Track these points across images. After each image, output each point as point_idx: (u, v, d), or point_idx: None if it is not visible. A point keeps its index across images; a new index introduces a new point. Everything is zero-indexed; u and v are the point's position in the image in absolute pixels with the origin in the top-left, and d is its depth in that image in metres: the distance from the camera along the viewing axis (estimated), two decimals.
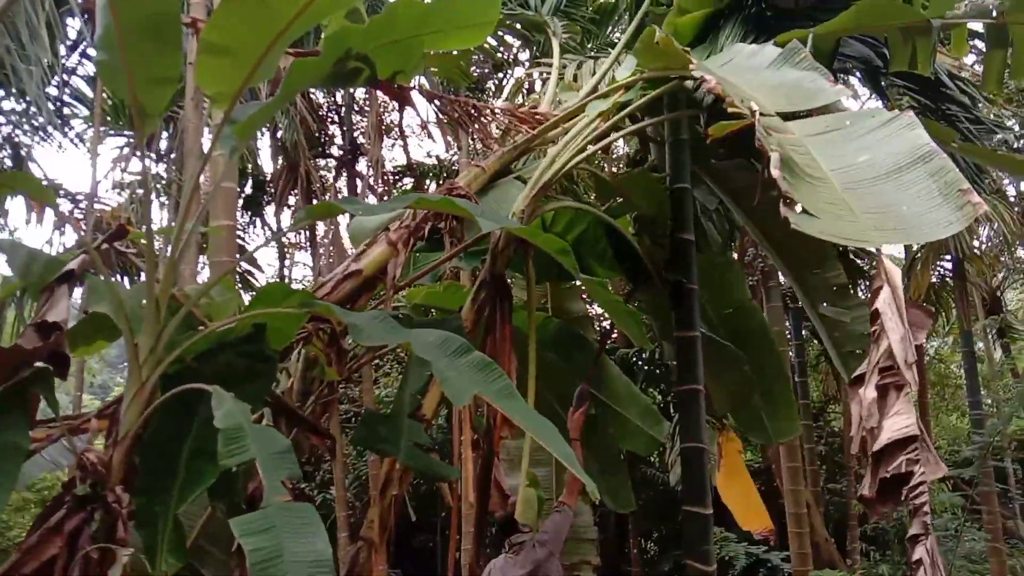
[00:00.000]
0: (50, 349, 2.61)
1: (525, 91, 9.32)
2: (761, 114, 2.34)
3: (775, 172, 2.08)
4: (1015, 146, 6.93)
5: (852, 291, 4.89)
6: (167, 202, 11.39)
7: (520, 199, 3.49)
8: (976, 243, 10.44)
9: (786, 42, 3.06)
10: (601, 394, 4.37)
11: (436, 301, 4.00)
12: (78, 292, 2.93)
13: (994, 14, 2.90)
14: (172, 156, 10.68)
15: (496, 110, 4.57)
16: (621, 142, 5.23)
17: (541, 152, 4.20)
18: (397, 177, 12.99)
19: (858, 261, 11.84)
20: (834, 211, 2.10)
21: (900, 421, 2.21)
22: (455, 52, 5.54)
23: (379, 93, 11.80)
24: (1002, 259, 15.26)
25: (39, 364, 2.58)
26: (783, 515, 6.14)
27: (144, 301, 2.75)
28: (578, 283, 4.70)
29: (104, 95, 8.22)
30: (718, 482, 4.69)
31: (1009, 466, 12.70)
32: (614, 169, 8.20)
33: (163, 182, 9.58)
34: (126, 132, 10.67)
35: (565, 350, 4.30)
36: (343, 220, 11.56)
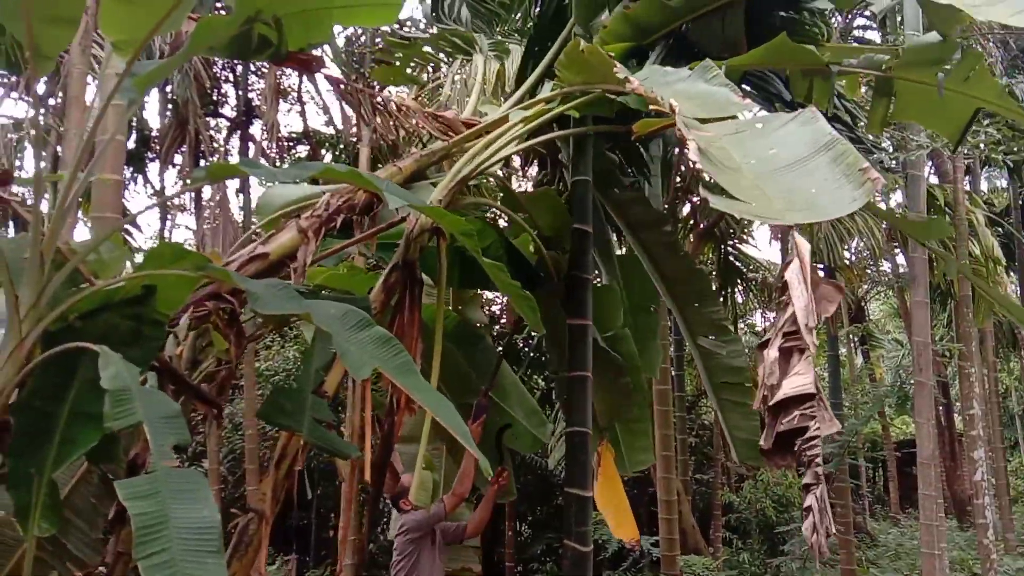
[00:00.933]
0: None
1: (431, 69, 9.24)
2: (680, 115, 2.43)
3: (693, 157, 2.17)
4: (889, 165, 7.42)
5: (731, 327, 5.27)
6: (42, 151, 10.74)
7: (438, 189, 3.51)
8: (847, 255, 11.06)
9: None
10: (492, 391, 4.48)
11: (337, 284, 3.94)
12: None
13: (883, 68, 3.22)
14: (50, 101, 10.07)
15: (404, 107, 4.52)
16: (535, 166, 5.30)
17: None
18: (292, 144, 12.67)
19: (736, 264, 12.40)
20: (749, 195, 2.23)
21: (799, 380, 2.36)
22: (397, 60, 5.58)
23: None
24: (868, 271, 16.26)
25: None
26: (655, 502, 6.37)
27: (27, 253, 2.62)
28: (478, 292, 4.81)
29: None
30: (595, 492, 4.89)
31: (862, 464, 13.59)
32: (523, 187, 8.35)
33: (38, 129, 9.00)
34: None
35: (467, 346, 4.39)
36: (231, 185, 11.20)
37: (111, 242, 2.96)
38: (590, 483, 4.11)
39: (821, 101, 3.59)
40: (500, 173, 4.10)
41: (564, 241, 4.22)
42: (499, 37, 7.82)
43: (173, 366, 2.99)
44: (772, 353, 2.44)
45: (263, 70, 10.84)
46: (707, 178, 2.30)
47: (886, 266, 17.46)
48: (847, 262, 10.61)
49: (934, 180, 10.93)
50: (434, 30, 6.34)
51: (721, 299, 13.48)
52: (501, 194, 4.17)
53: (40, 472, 2.53)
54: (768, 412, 2.46)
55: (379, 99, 4.34)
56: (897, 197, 12.95)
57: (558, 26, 5.35)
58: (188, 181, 10.73)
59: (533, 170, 8.30)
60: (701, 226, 10.11)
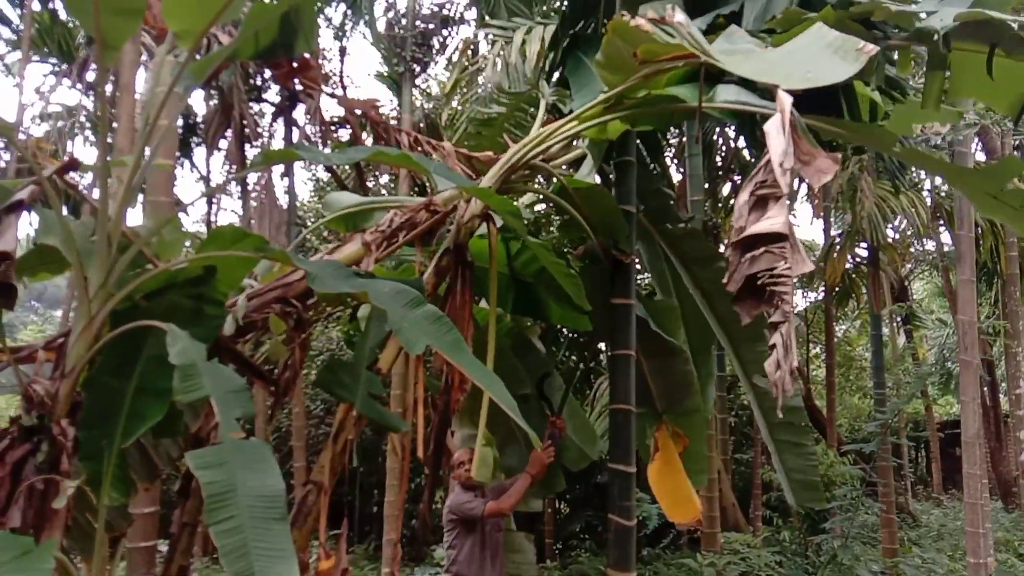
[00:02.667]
0: None
1: (471, 52, 9.29)
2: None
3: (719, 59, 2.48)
4: (936, 143, 7.32)
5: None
6: (92, 137, 11.00)
7: (488, 176, 3.56)
8: (891, 233, 10.93)
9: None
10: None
11: (389, 277, 4.06)
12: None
13: (934, 37, 3.10)
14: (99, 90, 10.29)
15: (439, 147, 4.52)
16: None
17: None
18: (335, 128, 12.78)
19: None
20: (758, 66, 2.67)
21: (770, 221, 2.26)
22: None
23: (320, 39, 11.62)
24: (912, 250, 16.01)
25: None
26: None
27: (95, 236, 2.74)
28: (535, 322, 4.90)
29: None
30: (650, 474, 4.87)
31: (904, 444, 13.45)
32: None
33: (104, 115, 9.22)
34: (51, 59, 10.23)
35: (520, 348, 4.47)
36: (275, 169, 11.36)
37: (171, 225, 3.08)
38: (633, 459, 4.17)
39: (869, 73, 3.51)
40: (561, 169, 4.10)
41: (616, 234, 4.22)
42: (539, 19, 7.85)
43: (231, 344, 3.11)
44: (743, 197, 2.39)
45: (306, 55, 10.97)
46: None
47: (930, 245, 17.19)
48: (891, 240, 10.47)
49: (981, 157, 10.74)
50: None
51: None
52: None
53: (110, 444, 2.66)
54: (735, 250, 2.36)
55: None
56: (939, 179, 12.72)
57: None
58: (245, 165, 10.89)
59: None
60: None
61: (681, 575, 9.58)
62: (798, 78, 2.48)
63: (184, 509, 3.20)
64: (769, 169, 2.31)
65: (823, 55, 2.60)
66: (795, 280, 2.38)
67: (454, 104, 10.67)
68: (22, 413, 2.55)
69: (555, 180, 3.98)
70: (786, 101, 2.39)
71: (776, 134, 2.32)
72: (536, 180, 4.16)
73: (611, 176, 4.68)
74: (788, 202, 2.34)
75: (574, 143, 4.40)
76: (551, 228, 7.86)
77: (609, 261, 4.22)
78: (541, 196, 5.49)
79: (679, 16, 2.86)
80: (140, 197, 5.48)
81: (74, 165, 2.77)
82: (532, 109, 6.06)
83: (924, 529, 15.08)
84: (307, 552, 2.99)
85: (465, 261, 3.35)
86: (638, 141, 4.98)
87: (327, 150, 11.44)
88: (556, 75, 5.55)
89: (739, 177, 9.79)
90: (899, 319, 19.75)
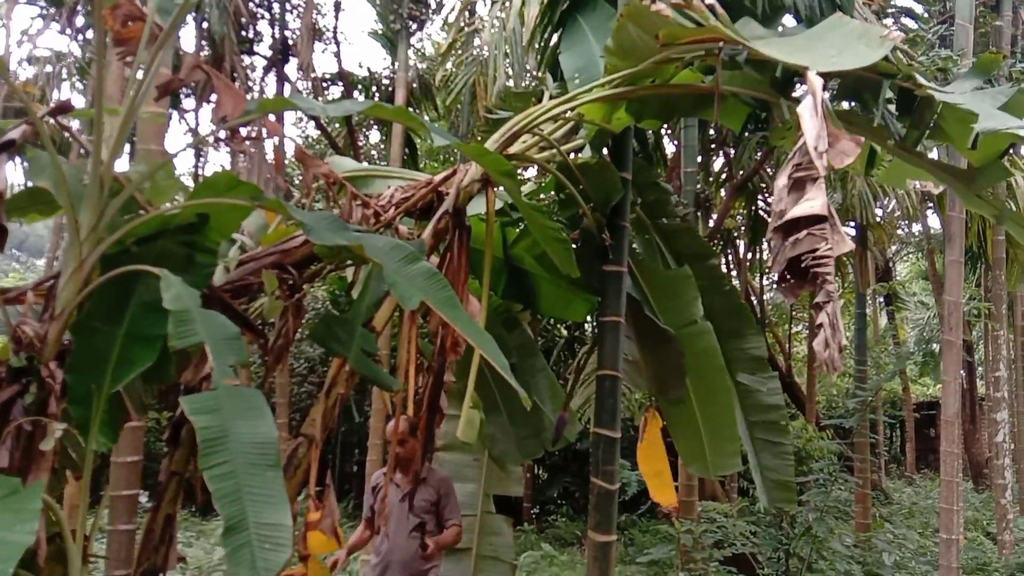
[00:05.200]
0: None
1: (467, 13, 9.18)
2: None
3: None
4: None
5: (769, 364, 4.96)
6: (79, 84, 10.83)
7: (492, 139, 3.54)
8: (879, 212, 10.96)
9: None
10: (528, 382, 4.55)
11: None
12: None
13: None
14: (88, 34, 10.12)
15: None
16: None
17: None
18: (326, 84, 12.65)
19: (767, 218, 12.32)
20: (790, 50, 2.77)
21: (809, 204, 2.32)
22: None
23: None
24: (899, 231, 16.11)
25: None
26: (673, 451, 6.45)
27: (87, 179, 2.70)
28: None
29: None
30: (638, 454, 4.87)
31: (881, 422, 13.64)
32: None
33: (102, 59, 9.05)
34: (39, 2, 10.03)
35: (508, 325, 4.46)
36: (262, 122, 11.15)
37: (164, 171, 3.04)
38: (618, 424, 4.20)
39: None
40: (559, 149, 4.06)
41: (615, 208, 4.21)
42: None
43: (221, 294, 3.09)
44: (782, 181, 2.44)
45: (300, 7, 10.80)
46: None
47: (915, 227, 17.29)
48: (879, 220, 10.51)
49: None
50: None
51: (749, 255, 13.52)
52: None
53: (99, 389, 2.65)
54: (776, 234, 2.41)
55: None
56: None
57: None
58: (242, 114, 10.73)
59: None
60: (735, 180, 10.02)
61: (657, 541, 9.74)
62: (824, 62, 2.50)
63: (172, 458, 3.19)
64: (805, 152, 2.33)
65: (848, 41, 2.63)
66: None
67: (448, 66, 10.59)
68: (10, 354, 2.52)
69: (557, 155, 3.96)
70: (817, 84, 2.40)
71: (809, 116, 2.33)
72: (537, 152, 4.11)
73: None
74: (824, 183, 2.36)
75: (574, 136, 4.39)
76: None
77: (601, 238, 4.21)
78: (540, 184, 5.44)
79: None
80: (128, 146, 5.41)
81: (68, 107, 2.72)
82: None
83: (896, 506, 15.37)
84: (296, 505, 2.99)
85: (463, 224, 3.33)
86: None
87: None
88: (555, 38, 5.49)
89: (733, 150, 9.80)
90: (882, 299, 19.92)
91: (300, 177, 14.42)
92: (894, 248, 17.74)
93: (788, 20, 4.19)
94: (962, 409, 13.82)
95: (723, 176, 11.03)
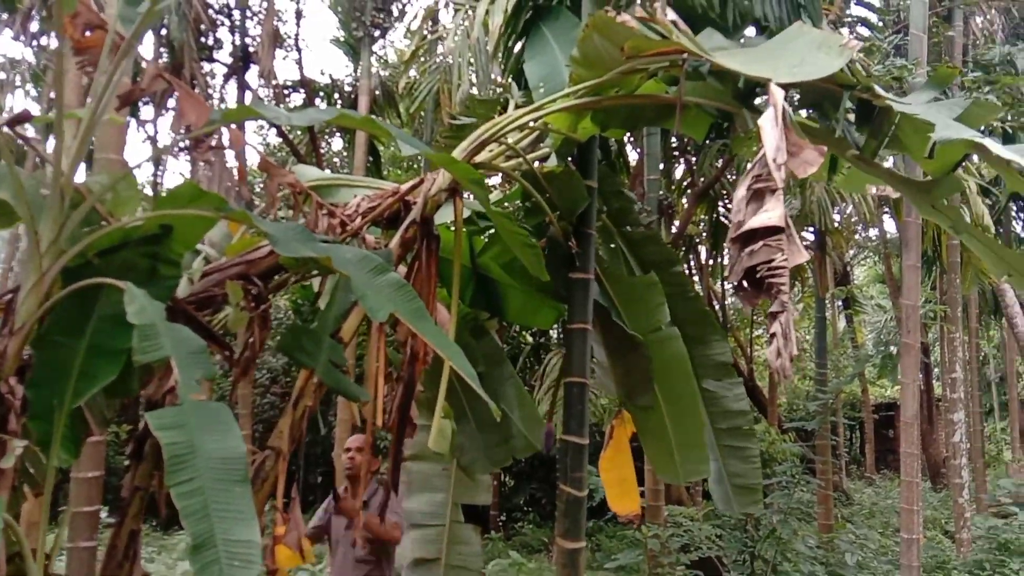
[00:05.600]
0: None
1: (431, 21, 9.16)
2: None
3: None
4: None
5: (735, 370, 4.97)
6: (30, 89, 10.63)
7: (459, 148, 3.54)
8: (837, 218, 11.15)
9: None
10: (496, 390, 4.52)
11: None
12: None
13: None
14: (42, 40, 9.92)
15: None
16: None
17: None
18: (287, 92, 12.56)
19: (725, 222, 12.47)
20: (751, 61, 2.84)
21: (767, 215, 2.35)
22: None
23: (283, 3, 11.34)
24: (856, 236, 16.40)
25: None
26: (640, 457, 6.48)
27: (46, 191, 2.65)
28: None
29: None
30: (601, 462, 4.86)
31: (841, 424, 13.86)
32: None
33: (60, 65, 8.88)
34: None
35: (475, 335, 4.45)
36: (225, 132, 11.05)
37: (125, 182, 2.99)
38: (586, 431, 4.22)
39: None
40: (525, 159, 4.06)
41: (580, 217, 4.23)
42: None
43: (185, 306, 3.04)
44: (741, 192, 2.47)
45: (260, 14, 10.71)
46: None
47: (872, 232, 17.63)
48: (836, 225, 10.70)
49: None
50: None
51: (711, 261, 13.67)
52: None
53: (60, 404, 2.60)
54: (733, 244, 2.45)
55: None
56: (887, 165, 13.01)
57: None
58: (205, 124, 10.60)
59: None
60: (697, 187, 10.13)
61: (624, 546, 9.78)
62: (785, 72, 2.53)
63: (136, 473, 3.13)
64: (764, 163, 2.35)
65: (809, 51, 2.66)
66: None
67: (412, 73, 10.58)
68: None
69: (523, 164, 3.97)
70: (778, 95, 2.43)
71: (770, 128, 2.36)
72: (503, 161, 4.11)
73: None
74: (782, 195, 2.39)
75: (539, 145, 4.41)
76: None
77: (567, 246, 4.23)
78: (505, 192, 5.44)
79: (671, 15, 2.89)
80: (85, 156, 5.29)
81: (27, 117, 2.66)
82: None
83: (857, 507, 15.61)
84: (262, 517, 2.96)
85: (431, 234, 3.33)
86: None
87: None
88: (518, 47, 5.51)
89: (694, 158, 9.91)
90: (840, 303, 20.25)
91: (262, 186, 14.29)
92: (851, 252, 18.08)
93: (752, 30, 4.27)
94: (920, 410, 14.12)
95: (685, 183, 11.14)
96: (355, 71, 13.77)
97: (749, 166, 2.50)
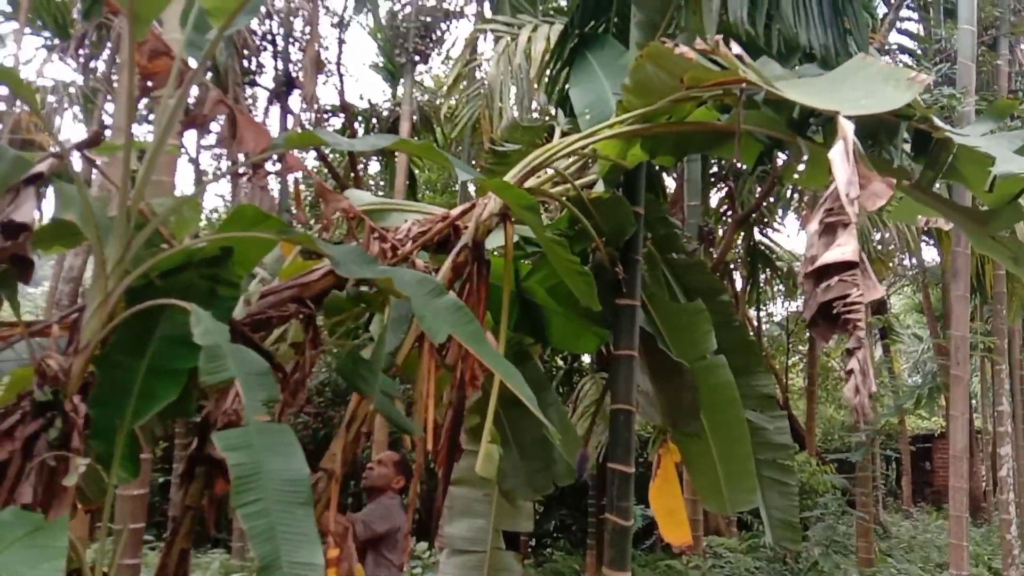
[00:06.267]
0: (13, 251, 2.54)
1: (472, 49, 9.25)
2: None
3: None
4: None
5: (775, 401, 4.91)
6: (79, 112, 10.87)
7: (510, 174, 3.56)
8: (878, 246, 11.03)
9: None
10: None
11: None
12: None
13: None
14: (91, 64, 10.18)
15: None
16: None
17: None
18: (327, 116, 12.74)
19: (774, 258, 12.39)
20: (816, 91, 2.85)
21: (841, 250, 2.33)
22: None
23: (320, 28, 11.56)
24: (892, 263, 16.19)
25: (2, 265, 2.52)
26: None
27: (115, 213, 2.70)
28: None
29: None
30: (651, 491, 4.80)
31: (877, 454, 13.61)
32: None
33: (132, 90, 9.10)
34: (44, 33, 10.09)
35: (519, 359, 4.45)
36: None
37: (188, 204, 3.05)
38: (632, 459, 4.18)
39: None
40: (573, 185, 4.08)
41: (627, 243, 4.23)
42: (543, 17, 7.83)
43: (244, 329, 3.08)
44: (813, 226, 2.46)
45: (302, 40, 10.91)
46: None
47: (907, 260, 17.38)
48: (877, 254, 10.59)
49: None
50: None
51: (749, 285, 13.55)
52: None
53: (121, 423, 2.63)
54: (808, 280, 2.44)
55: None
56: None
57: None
58: (268, 147, 10.79)
59: None
60: (737, 213, 10.08)
61: None
62: (852, 105, 2.53)
63: (187, 492, 3.16)
64: (836, 197, 2.35)
65: (875, 84, 2.65)
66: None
67: (452, 101, 10.67)
68: (34, 388, 2.50)
69: (570, 190, 3.98)
70: (848, 129, 2.43)
71: (840, 162, 2.36)
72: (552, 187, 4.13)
73: None
74: (856, 229, 2.39)
75: (588, 167, 4.42)
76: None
77: (614, 272, 4.23)
78: (551, 219, 5.45)
79: (736, 48, 2.89)
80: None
81: (96, 141, 2.73)
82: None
83: (895, 540, 15.26)
84: None
85: (482, 258, 3.34)
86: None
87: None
88: (563, 74, 5.54)
89: (733, 183, 9.89)
90: (876, 332, 19.98)
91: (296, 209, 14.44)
92: (888, 281, 17.83)
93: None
94: None
95: (722, 210, 11.11)
96: (393, 96, 13.97)
97: (820, 200, 2.49)
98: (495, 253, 3.88)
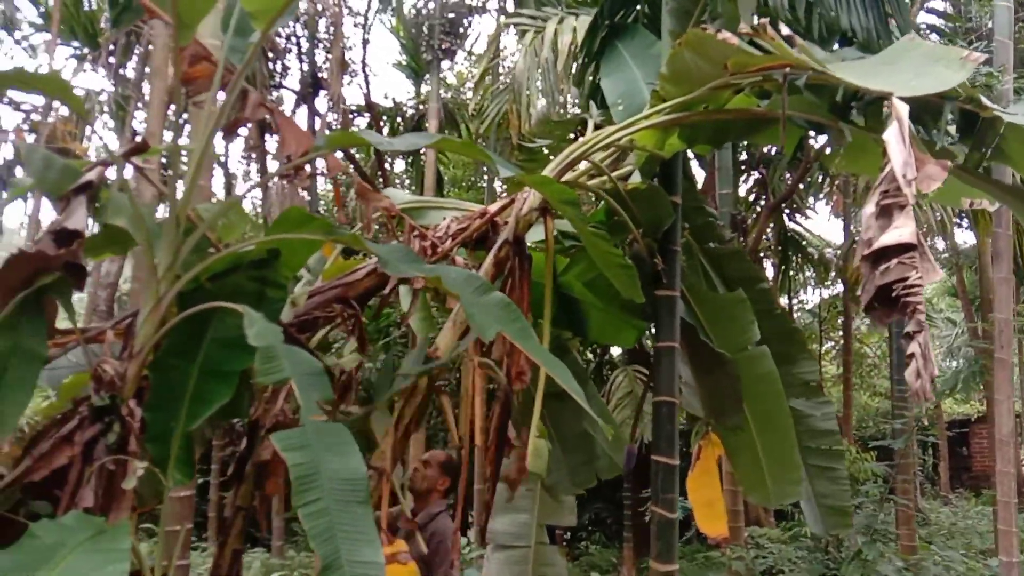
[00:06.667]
0: (67, 259, 2.57)
1: (497, 44, 9.23)
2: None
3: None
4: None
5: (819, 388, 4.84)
6: (109, 120, 10.99)
7: (549, 167, 3.56)
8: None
9: None
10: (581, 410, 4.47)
11: None
12: None
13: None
14: (119, 72, 10.29)
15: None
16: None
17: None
18: (353, 116, 12.79)
19: (805, 244, 12.27)
20: (867, 73, 2.80)
21: (898, 232, 2.29)
22: None
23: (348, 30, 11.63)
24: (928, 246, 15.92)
25: (56, 272, 2.55)
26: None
27: (163, 219, 2.73)
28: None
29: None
30: (688, 482, 4.77)
31: (915, 440, 13.44)
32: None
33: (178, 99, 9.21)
34: (73, 43, 10.22)
35: (558, 351, 4.44)
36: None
37: (234, 209, 3.07)
38: (676, 451, 4.16)
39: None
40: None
41: (665, 234, 4.20)
42: (567, 11, 7.78)
43: (291, 330, 3.10)
44: (869, 208, 2.41)
45: (326, 43, 10.95)
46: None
47: (939, 243, 17.13)
48: None
49: None
50: None
51: (780, 273, 13.43)
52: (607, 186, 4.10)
53: (176, 426, 2.66)
54: (865, 263, 2.39)
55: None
56: None
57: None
58: (264, 153, 10.90)
59: None
60: (770, 201, 9.98)
61: (695, 568, 9.60)
62: (904, 86, 2.50)
63: (238, 493, 3.19)
64: (891, 179, 2.32)
65: (925, 64, 2.61)
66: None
67: (477, 97, 10.66)
68: (91, 393, 2.54)
69: (607, 182, 3.96)
70: (902, 110, 2.39)
71: (896, 143, 2.33)
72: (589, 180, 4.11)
73: None
74: (913, 211, 2.35)
75: (620, 163, 4.40)
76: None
77: (652, 263, 4.20)
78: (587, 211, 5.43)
79: (785, 30, 2.87)
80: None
81: (144, 148, 2.76)
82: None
83: (935, 527, 15.08)
84: None
85: (523, 253, 3.34)
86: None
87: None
88: (593, 65, 5.50)
89: (764, 170, 9.80)
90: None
91: (324, 210, 14.53)
92: None
93: None
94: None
95: (753, 198, 11.01)
96: (417, 94, 14.00)
97: (876, 182, 2.45)
98: (532, 248, 3.88)
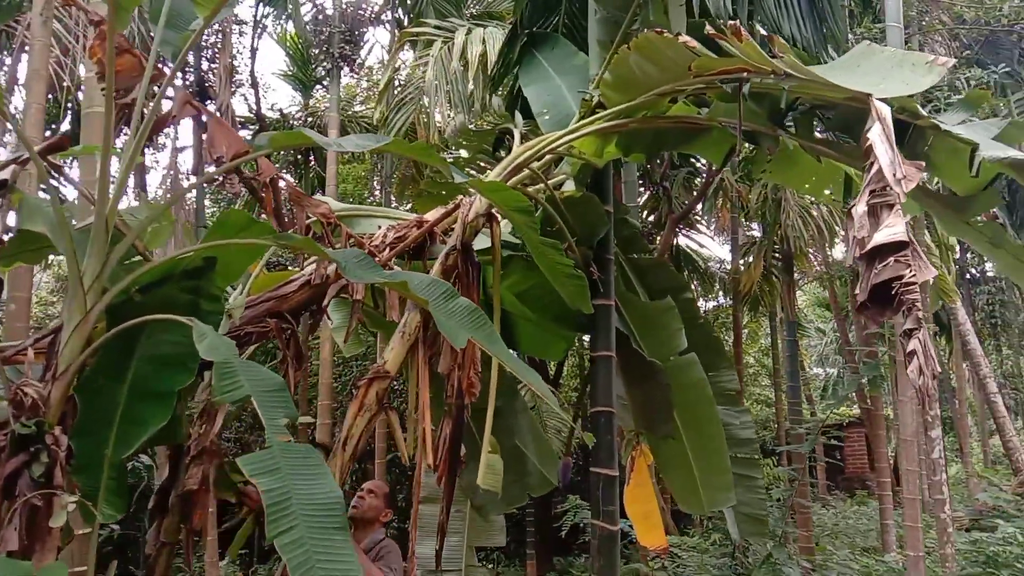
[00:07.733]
0: None
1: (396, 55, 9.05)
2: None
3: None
4: None
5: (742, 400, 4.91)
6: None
7: (494, 173, 3.45)
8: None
9: None
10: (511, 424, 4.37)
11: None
12: None
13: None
14: None
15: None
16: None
17: None
18: (241, 125, 12.26)
19: (686, 249, 12.57)
20: (842, 74, 2.81)
21: (891, 230, 2.32)
22: None
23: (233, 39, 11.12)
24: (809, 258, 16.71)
25: None
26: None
27: (88, 225, 2.46)
28: None
29: None
30: (625, 496, 4.73)
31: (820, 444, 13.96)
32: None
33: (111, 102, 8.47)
34: None
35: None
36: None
37: (163, 216, 2.82)
38: (616, 462, 4.10)
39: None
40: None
41: (600, 242, 4.17)
42: (472, 23, 7.72)
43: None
44: (860, 208, 2.44)
45: (214, 50, 10.46)
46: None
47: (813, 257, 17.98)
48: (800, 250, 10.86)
49: None
50: None
51: None
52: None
53: (106, 454, 2.41)
54: (861, 261, 2.43)
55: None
56: None
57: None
58: (144, 160, 10.28)
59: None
60: (673, 214, 10.17)
61: None
62: (872, 89, 2.53)
63: (161, 527, 2.91)
64: (879, 179, 2.33)
65: (889, 68, 2.65)
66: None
67: (360, 106, 10.44)
68: (10, 420, 2.24)
69: (544, 190, 3.89)
70: (884, 111, 2.42)
71: (880, 143, 2.34)
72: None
73: None
74: (901, 210, 2.37)
75: (554, 168, 4.35)
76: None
77: (588, 272, 4.16)
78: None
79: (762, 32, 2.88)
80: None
81: (62, 145, 2.48)
82: (500, 152, 5.87)
83: (818, 528, 15.72)
84: None
85: (472, 260, 3.21)
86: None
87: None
88: (513, 71, 5.45)
89: (667, 185, 9.99)
90: (786, 327, 20.56)
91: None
92: (796, 276, 18.40)
93: None
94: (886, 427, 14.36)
95: (653, 211, 11.18)
96: (305, 106, 13.58)
97: (864, 182, 2.47)
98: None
